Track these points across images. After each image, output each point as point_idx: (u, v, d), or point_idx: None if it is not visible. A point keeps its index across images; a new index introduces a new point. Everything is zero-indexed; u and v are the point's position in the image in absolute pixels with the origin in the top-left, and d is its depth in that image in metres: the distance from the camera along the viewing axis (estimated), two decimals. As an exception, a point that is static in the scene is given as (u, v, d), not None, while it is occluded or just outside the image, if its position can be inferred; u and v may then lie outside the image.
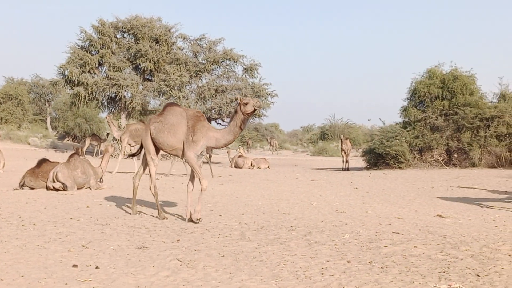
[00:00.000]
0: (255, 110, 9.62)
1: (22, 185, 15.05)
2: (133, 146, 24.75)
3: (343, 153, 31.78)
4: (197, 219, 10.07)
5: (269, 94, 39.23)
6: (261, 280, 6.26)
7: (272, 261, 7.16)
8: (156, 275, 6.40)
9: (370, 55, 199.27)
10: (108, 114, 28.58)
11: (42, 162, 15.49)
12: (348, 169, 30.84)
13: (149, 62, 40.33)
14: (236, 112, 9.78)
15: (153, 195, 10.81)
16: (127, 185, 17.23)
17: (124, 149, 24.98)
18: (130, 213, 11.12)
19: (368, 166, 30.28)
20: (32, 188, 14.98)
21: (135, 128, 24.92)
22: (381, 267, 6.85)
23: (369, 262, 7.09)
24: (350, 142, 32.69)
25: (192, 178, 10.54)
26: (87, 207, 11.93)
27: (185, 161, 9.87)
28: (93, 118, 57.35)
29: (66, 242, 8.11)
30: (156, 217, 10.68)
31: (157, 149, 10.69)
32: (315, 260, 7.22)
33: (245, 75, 39.97)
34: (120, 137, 24.81)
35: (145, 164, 10.99)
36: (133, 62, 41.30)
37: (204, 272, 6.57)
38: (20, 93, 58.71)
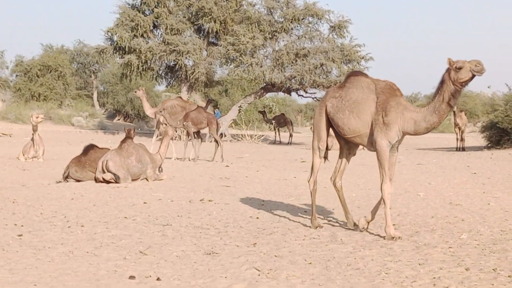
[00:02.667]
0: (473, 77, 8.32)
1: (66, 177, 15.41)
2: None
3: (457, 129, 31.30)
4: (395, 237, 8.80)
5: (363, 58, 38.96)
6: (357, 294, 6.26)
7: (371, 269, 7.13)
8: (229, 287, 6.47)
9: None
10: (140, 88, 28.63)
11: (89, 148, 15.80)
12: (463, 149, 30.38)
13: (214, 22, 40.52)
14: (443, 81, 8.51)
15: (311, 193, 10.00)
16: (190, 174, 17.45)
17: (158, 131, 25.15)
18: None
19: (489, 145, 29.75)
20: (78, 181, 15.32)
21: (171, 105, 25.10)
22: (509, 276, 6.74)
23: (493, 270, 6.98)
24: (465, 114, 32.16)
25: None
26: (144, 203, 12.14)
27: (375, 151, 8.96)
28: (148, 92, 58.18)
29: (121, 248, 8.29)
30: (307, 226, 10.20)
31: (339, 137, 9.79)
32: (424, 267, 7.15)
33: (332, 35, 39.72)
34: (155, 115, 25.09)
35: (345, 154, 10.00)
36: (195, 22, 41.61)
37: (287, 283, 6.60)
38: (61, 64, 59.97)
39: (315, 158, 9.95)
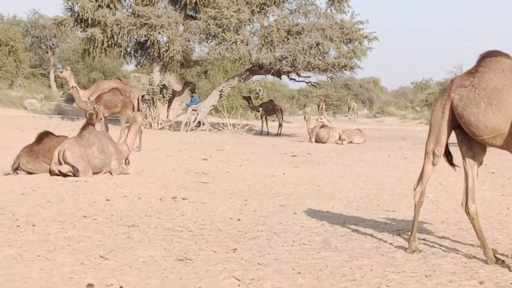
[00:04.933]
0: None
1: (16, 169, 15.37)
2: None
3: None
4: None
5: (365, 37, 38.85)
6: (353, 309, 6.28)
7: (370, 280, 7.16)
8: (204, 299, 6.50)
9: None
10: (65, 68, 28.06)
11: (44, 136, 15.75)
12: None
13: (193, -9, 40.51)
14: None
15: (414, 206, 8.97)
16: (161, 168, 17.46)
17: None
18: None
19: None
20: (30, 173, 15.29)
21: (108, 87, 24.98)
22: (529, 292, 6.78)
23: (511, 284, 7.02)
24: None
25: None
26: (107, 200, 12.15)
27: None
28: (115, 72, 58.09)
29: (78, 251, 8.28)
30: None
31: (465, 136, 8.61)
32: (431, 280, 7.19)
33: (330, 10, 39.66)
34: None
35: (470, 165, 8.77)
36: (170, -9, 41.62)
37: (272, 296, 6.63)
38: (12, 37, 59.67)
39: (427, 164, 8.89)
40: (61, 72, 26.54)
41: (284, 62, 38.54)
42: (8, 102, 50.99)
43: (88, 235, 9.19)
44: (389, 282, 7.09)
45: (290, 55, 37.71)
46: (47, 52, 67.68)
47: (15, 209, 10.92)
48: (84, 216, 10.58)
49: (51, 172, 15.08)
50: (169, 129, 38.86)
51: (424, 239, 9.23)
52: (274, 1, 38.79)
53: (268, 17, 39.46)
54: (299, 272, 7.44)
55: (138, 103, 26.13)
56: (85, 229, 9.58)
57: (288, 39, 38.09)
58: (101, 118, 22.87)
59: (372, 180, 16.00)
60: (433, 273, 7.45)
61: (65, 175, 14.84)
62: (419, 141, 34.12)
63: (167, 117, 41.82)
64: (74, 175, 14.83)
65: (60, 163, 14.94)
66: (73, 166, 14.86)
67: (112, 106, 23.67)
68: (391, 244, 8.95)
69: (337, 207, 12.04)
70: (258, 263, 7.82)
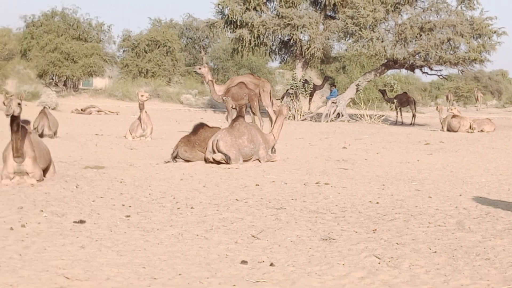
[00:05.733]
0: None
1: (175, 157, 15.67)
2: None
3: None
4: None
5: (494, 32, 38.04)
6: (487, 286, 6.15)
7: (503, 260, 6.99)
8: (347, 276, 6.46)
9: None
10: (204, 64, 28.09)
11: (199, 127, 16.00)
12: None
13: (332, -7, 40.41)
14: None
15: None
16: (305, 156, 17.49)
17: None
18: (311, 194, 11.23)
19: None
20: (188, 161, 15.56)
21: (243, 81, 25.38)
22: None
23: None
24: None
25: None
26: (257, 185, 12.24)
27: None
28: (261, 69, 58.51)
29: (232, 231, 8.39)
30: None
31: None
32: (562, 260, 6.97)
33: (461, 7, 38.95)
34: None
35: None
36: (311, -6, 41.61)
37: (410, 273, 6.54)
38: (170, 39, 60.72)
39: None
40: (199, 68, 26.83)
41: (417, 57, 38.14)
42: (166, 97, 52.13)
43: (240, 217, 9.29)
44: (521, 262, 6.92)
45: (422, 50, 37.27)
46: (200, 52, 68.66)
47: (175, 193, 11.14)
48: (236, 199, 10.70)
49: (206, 160, 15.29)
50: (310, 120, 38.99)
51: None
52: (408, 0, 38.44)
53: (401, 15, 39.12)
54: (435, 252, 7.34)
55: (270, 96, 26.42)
56: (238, 211, 9.69)
57: (420, 35, 37.63)
58: (234, 108, 23.33)
59: (502, 166, 15.64)
60: None
61: (218, 163, 15.02)
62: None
63: (309, 109, 41.97)
64: (227, 163, 14.99)
65: (214, 152, 15.13)
66: (225, 154, 15.03)
67: (238, 98, 24.01)
68: (522, 225, 8.74)
69: (469, 191, 11.81)
70: (397, 243, 7.75)
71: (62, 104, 41.87)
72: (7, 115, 10.81)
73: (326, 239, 7.95)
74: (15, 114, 10.81)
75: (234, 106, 20.87)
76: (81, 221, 8.58)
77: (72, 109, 38.99)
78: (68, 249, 7.17)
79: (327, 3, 40.72)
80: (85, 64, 51.94)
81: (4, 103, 10.87)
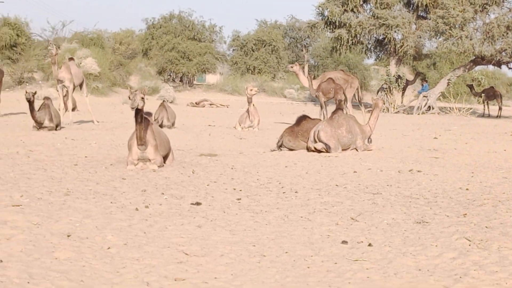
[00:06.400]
0: None
1: (280, 146, 15.74)
2: None
3: None
4: None
5: None
6: None
7: None
8: (440, 256, 6.39)
9: None
10: (295, 63, 27.85)
11: (302, 119, 16.05)
12: None
13: (424, -5, 39.84)
14: None
15: None
16: (398, 145, 17.33)
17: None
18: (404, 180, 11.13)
19: None
20: (291, 149, 15.61)
21: (334, 77, 25.40)
22: None
23: None
24: None
25: None
26: (354, 172, 12.19)
27: None
28: (357, 65, 58.10)
29: (333, 214, 8.39)
30: None
31: None
32: None
33: (547, 6, 37.93)
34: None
35: None
36: (404, -4, 41.16)
37: (499, 254, 6.43)
38: (274, 38, 61.01)
39: None
40: (291, 67, 26.90)
41: (504, 54, 37.35)
42: (271, 92, 52.44)
43: (340, 201, 9.28)
44: None
45: (509, 47, 36.47)
46: (302, 50, 68.66)
47: (280, 179, 11.19)
48: (336, 185, 10.69)
49: (308, 149, 15.32)
50: (403, 112, 38.58)
51: None
52: (495, 1, 37.66)
53: (489, 15, 38.38)
54: (522, 235, 7.20)
55: (358, 92, 26.52)
56: (338, 196, 9.68)
57: (507, 33, 36.85)
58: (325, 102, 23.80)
59: None
60: None
61: (319, 151, 15.03)
62: None
63: (402, 102, 41.57)
64: (327, 151, 14.98)
65: (315, 141, 15.14)
66: (325, 144, 15.03)
67: (326, 92, 24.15)
68: None
69: (554, 179, 11.53)
70: (486, 227, 7.61)
71: (179, 98, 42.58)
72: (132, 108, 11.05)
73: (420, 222, 7.88)
74: (139, 107, 11.05)
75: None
76: (198, 203, 8.71)
77: (187, 102, 39.47)
78: (186, 228, 7.31)
79: (419, 4, 40.19)
80: (199, 62, 52.81)
81: (129, 97, 11.12)
